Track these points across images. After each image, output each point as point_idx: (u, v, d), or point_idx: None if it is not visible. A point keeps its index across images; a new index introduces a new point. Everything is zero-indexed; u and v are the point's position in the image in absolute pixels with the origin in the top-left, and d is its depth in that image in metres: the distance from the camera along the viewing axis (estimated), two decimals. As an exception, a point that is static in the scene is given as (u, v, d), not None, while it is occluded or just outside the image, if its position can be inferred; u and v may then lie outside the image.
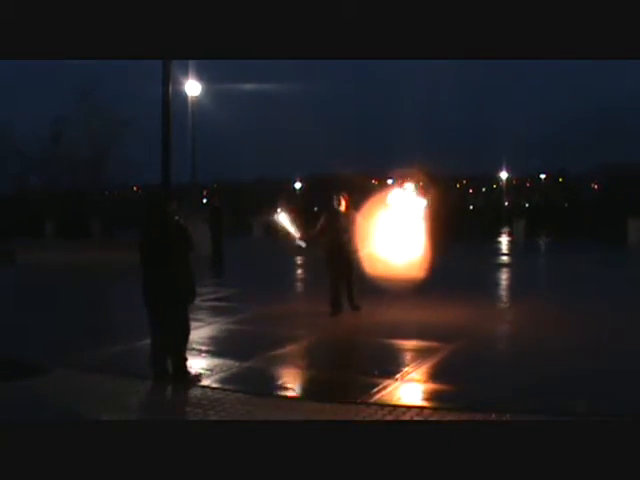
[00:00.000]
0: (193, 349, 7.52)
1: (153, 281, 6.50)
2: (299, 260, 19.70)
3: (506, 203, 69.81)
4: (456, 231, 17.60)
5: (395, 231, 10.05)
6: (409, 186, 10.35)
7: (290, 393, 6.33)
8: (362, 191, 11.65)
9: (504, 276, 16.99)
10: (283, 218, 10.64)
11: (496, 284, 15.11)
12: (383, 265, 9.78)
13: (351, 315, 10.02)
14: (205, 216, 18.63)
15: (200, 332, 8.72)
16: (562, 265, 19.53)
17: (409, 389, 6.37)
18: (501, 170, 72.03)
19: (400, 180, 10.63)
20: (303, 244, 10.60)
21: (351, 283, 10.16)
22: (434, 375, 6.88)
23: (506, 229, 34.80)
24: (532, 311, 10.73)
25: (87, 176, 36.17)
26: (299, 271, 18.80)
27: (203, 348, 7.92)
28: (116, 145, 35.96)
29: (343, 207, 10.20)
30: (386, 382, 6.40)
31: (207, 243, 16.88)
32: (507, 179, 74.86)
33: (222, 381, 6.57)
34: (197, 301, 7.25)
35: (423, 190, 10.48)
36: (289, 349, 8.01)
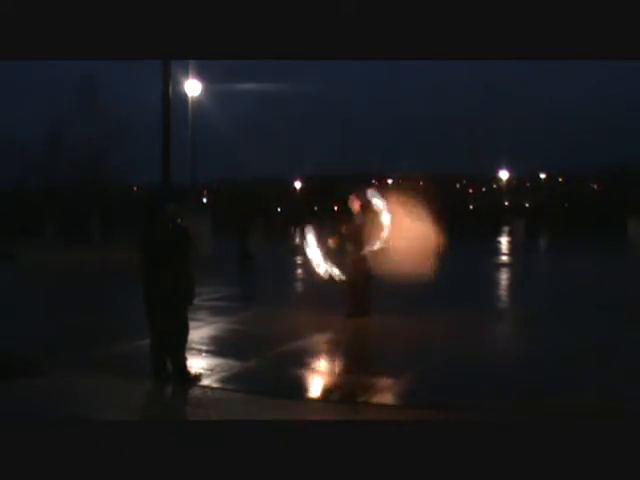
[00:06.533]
0: (193, 349, 7.52)
1: (153, 282, 6.50)
2: (299, 260, 19.63)
3: (506, 203, 69.76)
4: (456, 231, 17.58)
5: (400, 230, 10.04)
6: (408, 187, 10.34)
7: (290, 393, 6.32)
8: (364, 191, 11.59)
9: (505, 276, 17.02)
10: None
11: (497, 284, 15.14)
12: (389, 265, 9.75)
13: (354, 317, 9.99)
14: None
15: (200, 332, 8.72)
16: (562, 265, 19.51)
17: (409, 389, 6.36)
18: (501, 170, 71.94)
19: (397, 181, 10.62)
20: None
21: (367, 287, 9.98)
22: (434, 376, 6.88)
23: (506, 229, 34.78)
24: (533, 311, 10.74)
25: (87, 176, 36.13)
26: (299, 271, 18.79)
27: (203, 348, 7.91)
28: (116, 145, 35.94)
29: (357, 208, 10.16)
30: (386, 382, 6.39)
31: (209, 244, 16.89)
32: (507, 179, 74.79)
33: (222, 381, 6.57)
34: (197, 301, 7.24)
35: (420, 192, 10.48)
36: (289, 349, 8.01)
